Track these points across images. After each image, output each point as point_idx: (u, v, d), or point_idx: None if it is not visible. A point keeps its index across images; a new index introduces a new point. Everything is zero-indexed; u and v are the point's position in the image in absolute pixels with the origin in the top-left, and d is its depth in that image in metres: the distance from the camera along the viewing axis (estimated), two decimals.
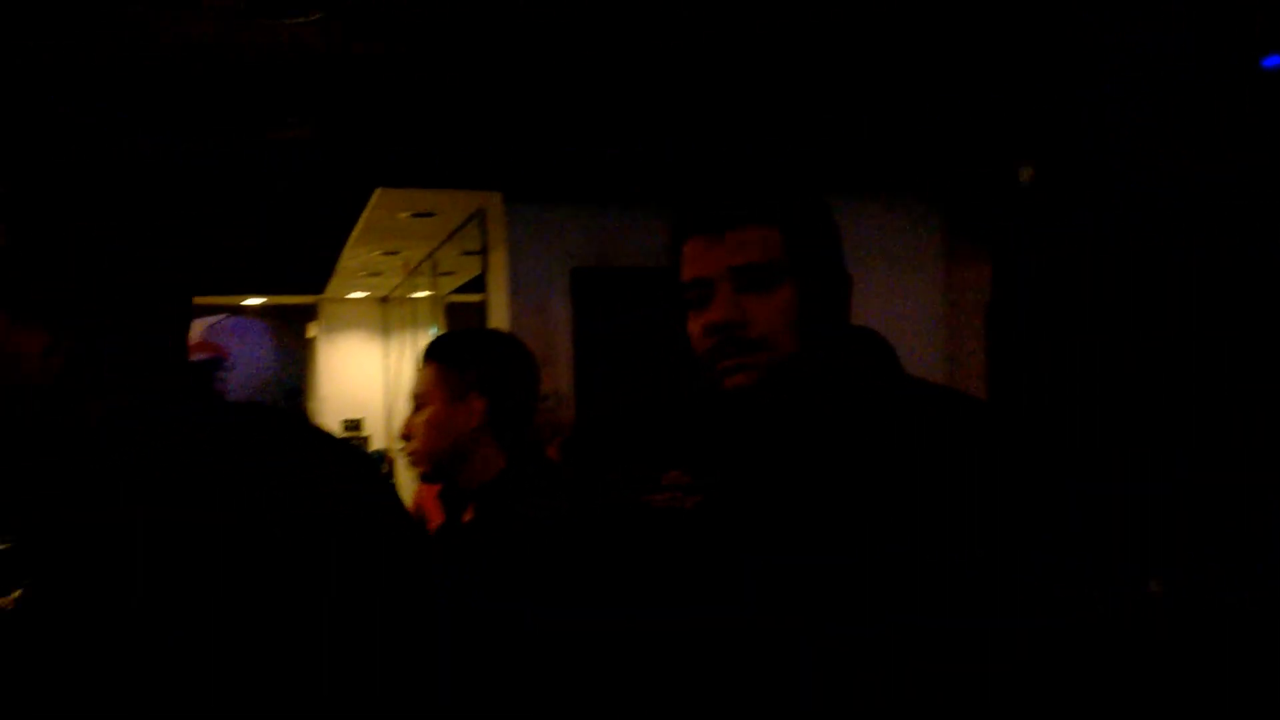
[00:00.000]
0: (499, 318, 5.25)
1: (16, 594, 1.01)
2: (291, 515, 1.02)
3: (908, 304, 5.05)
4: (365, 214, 5.58)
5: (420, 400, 1.89)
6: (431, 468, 1.88)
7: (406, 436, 1.89)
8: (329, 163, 4.83)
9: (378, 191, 5.11)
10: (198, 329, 1.67)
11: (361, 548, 1.07)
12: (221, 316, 1.73)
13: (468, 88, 3.88)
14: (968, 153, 4.66)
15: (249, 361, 1.68)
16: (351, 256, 7.12)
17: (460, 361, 1.89)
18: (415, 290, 8.07)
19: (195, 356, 1.62)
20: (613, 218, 5.17)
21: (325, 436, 1.16)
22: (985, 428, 1.27)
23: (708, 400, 1.37)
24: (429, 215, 5.66)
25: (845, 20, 3.26)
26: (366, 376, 9.44)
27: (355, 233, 6.12)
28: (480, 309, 5.72)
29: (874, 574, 1.18)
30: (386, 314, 9.79)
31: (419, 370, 1.92)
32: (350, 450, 1.35)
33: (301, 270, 8.26)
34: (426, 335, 8.05)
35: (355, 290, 9.26)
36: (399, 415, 5.80)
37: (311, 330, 10.75)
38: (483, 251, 5.52)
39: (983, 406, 1.40)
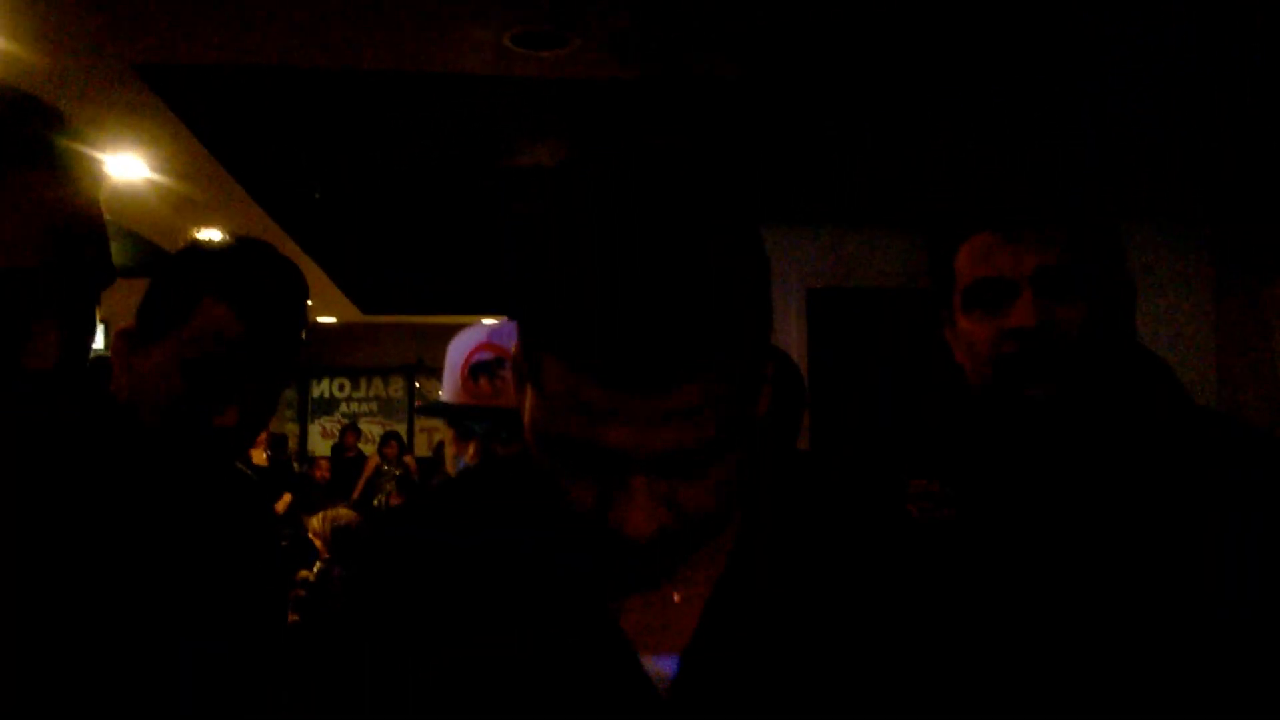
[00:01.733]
0: None
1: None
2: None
3: (1174, 334, 4.73)
4: None
5: None
6: None
7: None
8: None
9: None
10: (483, 331, 1.74)
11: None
12: (504, 320, 1.83)
13: (703, 110, 3.92)
14: (1249, 179, 4.36)
15: None
16: None
17: None
18: None
19: (479, 357, 1.69)
20: (849, 238, 5.10)
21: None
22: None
23: (983, 408, 1.28)
24: None
25: (1117, 43, 3.12)
26: None
27: None
28: None
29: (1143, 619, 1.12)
30: None
31: None
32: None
33: None
34: None
35: None
36: None
37: None
38: None
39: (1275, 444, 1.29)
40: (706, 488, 0.80)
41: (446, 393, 1.72)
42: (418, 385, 11.78)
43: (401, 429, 11.50)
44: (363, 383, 11.99)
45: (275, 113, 4.01)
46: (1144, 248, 4.83)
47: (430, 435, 11.76)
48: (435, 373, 10.03)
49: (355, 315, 9.87)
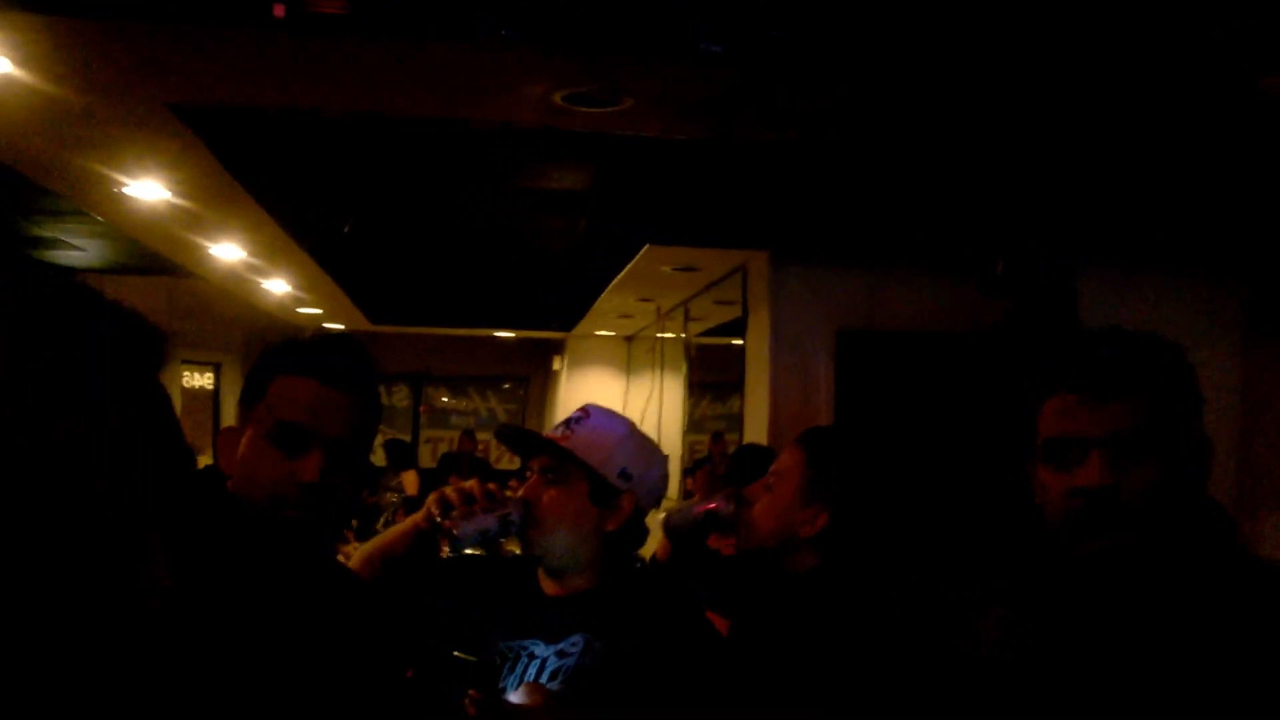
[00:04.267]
0: (758, 376, 5.20)
1: None
2: None
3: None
4: (629, 266, 5.65)
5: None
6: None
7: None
8: (602, 220, 4.91)
9: (645, 248, 5.16)
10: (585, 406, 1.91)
11: None
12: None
13: (737, 150, 3.86)
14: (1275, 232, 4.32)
15: (601, 426, 1.86)
16: (607, 300, 7.25)
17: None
18: (663, 331, 8.14)
19: (573, 414, 1.88)
20: (881, 279, 5.04)
21: None
22: None
23: (1053, 556, 1.35)
24: (691, 270, 5.69)
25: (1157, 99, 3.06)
26: None
27: (615, 281, 6.22)
28: (725, 351, 5.72)
29: None
30: (631, 352, 9.94)
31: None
32: None
33: (557, 310, 8.49)
34: (673, 375, 8.12)
35: (603, 329, 9.45)
36: None
37: (556, 364, 11.05)
38: (743, 305, 5.49)
39: None
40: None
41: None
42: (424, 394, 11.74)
43: (405, 438, 11.44)
44: None
45: (310, 150, 3.93)
46: (1175, 303, 4.79)
47: (435, 446, 11.70)
48: (440, 382, 10.01)
49: (363, 324, 9.80)
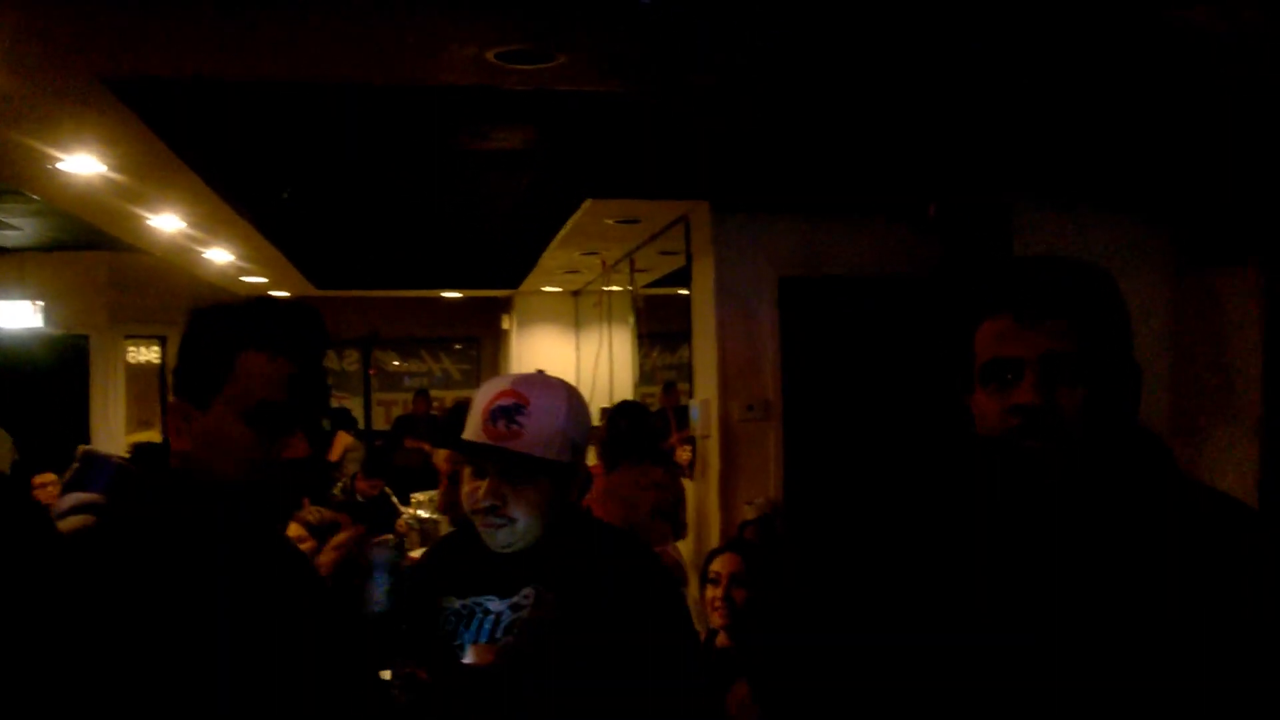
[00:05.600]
0: (704, 326, 5.28)
1: None
2: None
3: (1134, 314, 4.80)
4: (572, 221, 5.68)
5: None
6: None
7: None
8: (543, 177, 4.94)
9: (587, 202, 5.19)
10: (508, 379, 1.85)
11: None
12: (533, 372, 1.94)
13: (677, 103, 3.90)
14: (1202, 170, 4.44)
15: (545, 411, 1.79)
16: (551, 256, 7.26)
17: None
18: (609, 285, 8.16)
19: (500, 402, 1.80)
20: (821, 226, 5.11)
21: None
22: (1261, 541, 1.28)
23: (983, 462, 1.39)
24: (633, 221, 5.72)
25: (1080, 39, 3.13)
26: (559, 369, 9.57)
27: (560, 236, 6.25)
28: (673, 302, 5.76)
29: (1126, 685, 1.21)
30: (579, 306, 9.96)
31: None
32: None
33: (502, 268, 8.50)
34: (621, 327, 8.17)
35: (549, 285, 9.46)
36: (594, 405, 5.89)
37: (506, 322, 11.05)
38: (686, 255, 5.54)
39: (1258, 517, 1.38)
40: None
41: (468, 432, 1.82)
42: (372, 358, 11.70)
43: (358, 402, 11.41)
44: None
45: (244, 118, 3.92)
46: (1106, 238, 4.92)
47: (388, 409, 11.68)
48: (389, 345, 9.96)
49: (309, 290, 9.74)
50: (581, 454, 1.86)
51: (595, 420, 5.17)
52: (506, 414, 1.79)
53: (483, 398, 1.82)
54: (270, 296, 1.62)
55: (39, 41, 3.00)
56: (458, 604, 1.81)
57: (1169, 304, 5.15)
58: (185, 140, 4.29)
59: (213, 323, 1.48)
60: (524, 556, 1.79)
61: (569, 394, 1.86)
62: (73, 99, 3.56)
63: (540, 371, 1.93)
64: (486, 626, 1.76)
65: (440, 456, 2.75)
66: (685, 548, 5.05)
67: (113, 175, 4.81)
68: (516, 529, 1.77)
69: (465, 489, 1.83)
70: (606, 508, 4.41)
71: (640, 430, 4.74)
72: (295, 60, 3.10)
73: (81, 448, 3.25)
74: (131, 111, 3.71)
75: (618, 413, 4.90)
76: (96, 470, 2.92)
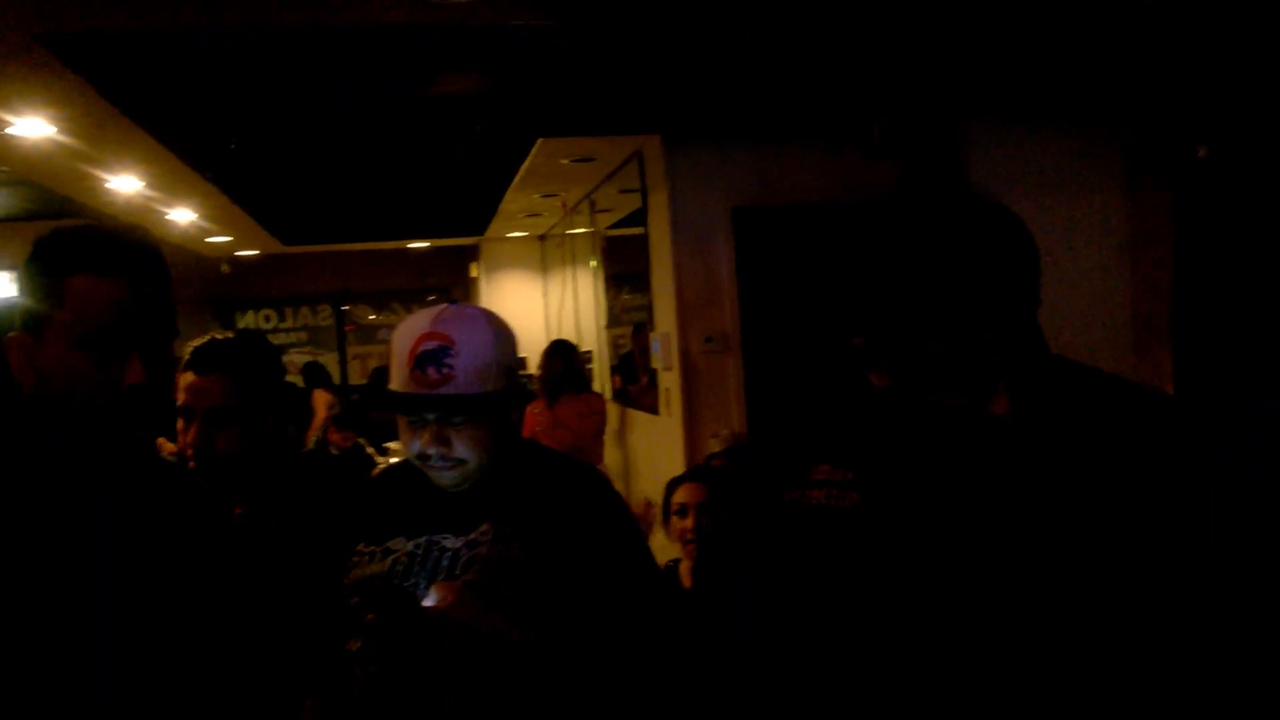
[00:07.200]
0: (662, 261, 5.32)
1: None
2: None
3: (1090, 231, 4.86)
4: (526, 162, 5.70)
5: None
6: None
7: None
8: (493, 117, 4.94)
9: (539, 142, 5.21)
10: (425, 319, 1.75)
11: None
12: (443, 306, 1.81)
13: (622, 35, 3.90)
14: (1149, 82, 4.46)
15: (472, 347, 1.72)
16: (511, 200, 7.28)
17: None
18: (573, 227, 8.19)
19: (425, 346, 1.71)
20: (772, 155, 5.13)
21: None
22: (1168, 429, 1.27)
23: (892, 404, 1.38)
24: (588, 160, 5.75)
25: None
26: (528, 314, 9.65)
27: (516, 179, 6.26)
28: (637, 241, 5.79)
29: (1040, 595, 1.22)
30: (545, 251, 9.98)
31: None
32: None
33: (464, 215, 8.48)
34: (587, 270, 8.20)
35: (514, 230, 9.46)
36: None
37: (474, 270, 11.06)
38: (642, 191, 5.57)
39: (1169, 403, 1.41)
40: None
41: (395, 382, 1.75)
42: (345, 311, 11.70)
43: (332, 358, 11.43)
44: (289, 313, 11.85)
45: (185, 71, 3.92)
46: (1059, 152, 4.96)
47: (364, 362, 11.71)
48: (362, 298, 9.91)
49: (277, 247, 9.71)
50: (514, 373, 1.81)
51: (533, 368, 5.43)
52: (434, 359, 1.71)
53: (404, 342, 1.75)
54: (102, 222, 1.58)
55: None
56: (410, 545, 1.76)
57: (1126, 217, 5.19)
58: (131, 98, 4.28)
59: (43, 249, 1.44)
60: (476, 491, 1.76)
61: (489, 320, 1.80)
62: (12, 60, 3.56)
63: (454, 306, 1.85)
64: (444, 564, 1.71)
65: (320, 400, 2.70)
66: (651, 483, 5.14)
67: (62, 138, 4.79)
68: (468, 468, 1.75)
69: (404, 438, 1.78)
70: (555, 435, 4.64)
71: (574, 365, 5.79)
72: (226, 6, 3.10)
73: None
74: (73, 72, 3.71)
75: (553, 352, 5.83)
76: None
